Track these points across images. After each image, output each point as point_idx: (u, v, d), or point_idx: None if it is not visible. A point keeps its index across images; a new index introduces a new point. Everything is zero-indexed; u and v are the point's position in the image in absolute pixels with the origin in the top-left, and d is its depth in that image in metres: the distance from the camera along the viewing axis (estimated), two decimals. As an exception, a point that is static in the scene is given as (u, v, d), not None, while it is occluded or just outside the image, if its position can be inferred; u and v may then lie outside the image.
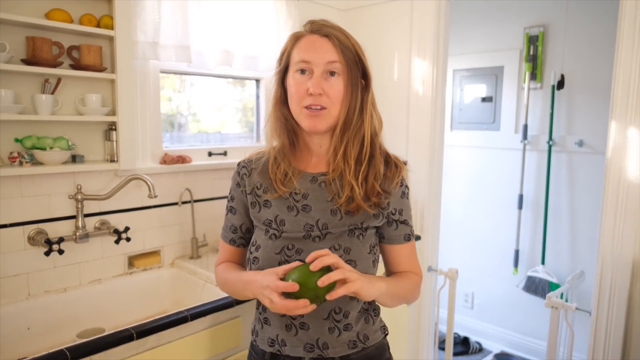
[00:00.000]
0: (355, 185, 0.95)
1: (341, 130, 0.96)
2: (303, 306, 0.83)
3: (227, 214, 1.11)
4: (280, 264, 0.94)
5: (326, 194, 0.98)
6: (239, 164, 1.09)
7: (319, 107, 0.93)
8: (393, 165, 1.02)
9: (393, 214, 1.02)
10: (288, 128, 1.02)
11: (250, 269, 1.00)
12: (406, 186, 1.05)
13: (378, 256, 1.03)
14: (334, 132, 0.98)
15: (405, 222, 1.04)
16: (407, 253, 1.05)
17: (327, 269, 0.86)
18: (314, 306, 0.84)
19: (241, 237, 1.09)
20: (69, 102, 1.59)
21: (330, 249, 0.93)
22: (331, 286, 0.84)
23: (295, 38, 0.99)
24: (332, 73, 0.93)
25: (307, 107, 0.94)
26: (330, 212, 0.97)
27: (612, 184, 1.53)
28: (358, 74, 0.95)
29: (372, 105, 0.99)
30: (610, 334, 1.56)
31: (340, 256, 0.92)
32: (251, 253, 1.01)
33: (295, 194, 0.99)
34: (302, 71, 0.94)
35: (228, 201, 1.10)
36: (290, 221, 0.98)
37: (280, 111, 1.02)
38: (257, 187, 1.03)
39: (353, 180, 0.95)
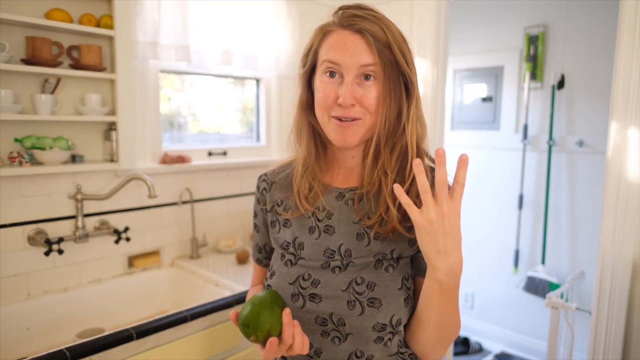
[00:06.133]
0: (391, 204, 0.78)
1: (377, 142, 0.80)
2: (268, 350, 0.71)
3: (253, 231, 1.00)
4: (293, 296, 0.81)
5: (353, 213, 0.83)
6: (260, 177, 0.96)
7: (350, 119, 0.78)
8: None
9: None
10: (315, 136, 0.87)
11: None
12: None
13: (412, 294, 0.83)
14: (368, 143, 0.83)
15: None
16: None
17: (279, 302, 0.75)
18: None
19: (266, 257, 0.98)
20: (68, 102, 1.59)
21: (351, 283, 0.79)
22: (278, 328, 0.73)
23: (323, 33, 0.81)
24: (367, 77, 0.77)
25: (336, 117, 0.79)
26: (356, 235, 0.82)
27: (612, 184, 1.53)
28: (398, 76, 0.79)
29: (416, 111, 0.82)
30: (611, 334, 1.56)
31: (362, 293, 0.78)
32: (267, 279, 0.89)
33: (320, 211, 0.85)
34: (332, 73, 0.79)
35: (253, 217, 0.99)
36: (310, 245, 0.84)
37: (305, 118, 0.87)
38: (277, 204, 0.90)
39: (389, 199, 0.79)
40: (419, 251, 0.81)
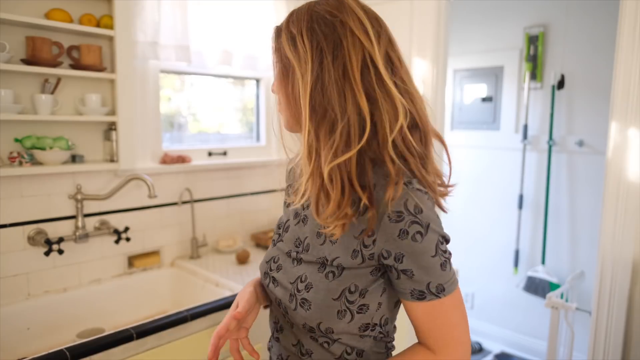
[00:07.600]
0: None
1: (295, 129, 0.79)
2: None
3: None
4: (265, 274, 0.86)
5: None
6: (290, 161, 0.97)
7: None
8: (393, 184, 0.67)
9: (385, 258, 0.70)
10: None
11: None
12: (415, 222, 0.66)
13: (360, 309, 0.73)
14: None
15: (407, 274, 0.69)
16: (421, 315, 0.71)
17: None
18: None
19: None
20: (68, 102, 1.59)
21: (297, 278, 0.78)
22: None
23: None
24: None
25: None
26: (316, 233, 0.78)
27: (612, 184, 1.53)
28: (292, 51, 0.72)
29: (345, 82, 0.68)
30: (611, 334, 1.56)
31: (300, 291, 0.76)
32: None
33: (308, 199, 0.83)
34: None
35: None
36: (292, 230, 0.85)
37: None
38: (289, 186, 0.94)
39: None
40: (398, 276, 0.71)
